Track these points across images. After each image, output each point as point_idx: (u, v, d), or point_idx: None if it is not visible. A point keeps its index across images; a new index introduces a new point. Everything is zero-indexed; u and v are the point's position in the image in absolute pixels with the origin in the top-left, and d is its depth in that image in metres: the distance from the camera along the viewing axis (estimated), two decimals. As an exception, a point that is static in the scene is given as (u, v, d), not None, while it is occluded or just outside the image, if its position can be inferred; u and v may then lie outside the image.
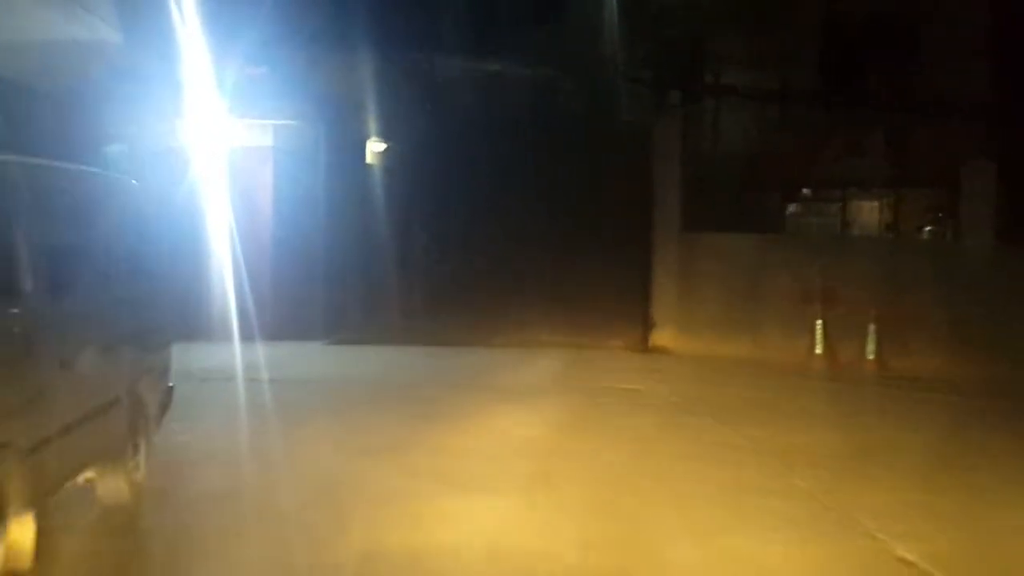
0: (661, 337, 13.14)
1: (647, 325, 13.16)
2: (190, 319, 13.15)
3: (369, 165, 14.95)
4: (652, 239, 13.19)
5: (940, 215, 16.03)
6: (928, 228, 16.29)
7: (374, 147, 15.06)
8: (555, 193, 13.48)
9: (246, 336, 11.94)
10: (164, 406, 6.15)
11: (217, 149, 12.69)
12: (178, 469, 6.15)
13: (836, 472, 6.86)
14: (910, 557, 4.98)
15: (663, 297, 13.16)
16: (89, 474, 5.07)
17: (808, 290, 12.45)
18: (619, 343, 13.17)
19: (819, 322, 12.40)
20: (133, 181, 6.58)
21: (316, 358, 11.82)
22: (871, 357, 12.19)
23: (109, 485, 5.24)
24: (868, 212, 17.75)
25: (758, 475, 6.72)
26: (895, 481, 6.59)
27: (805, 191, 18.23)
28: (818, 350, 12.41)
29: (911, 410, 9.64)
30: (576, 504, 5.82)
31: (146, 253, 6.03)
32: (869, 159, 15.52)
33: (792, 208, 17.94)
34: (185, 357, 11.53)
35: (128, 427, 5.33)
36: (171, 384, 6.39)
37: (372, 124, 14.33)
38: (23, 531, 4.04)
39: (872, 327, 12.16)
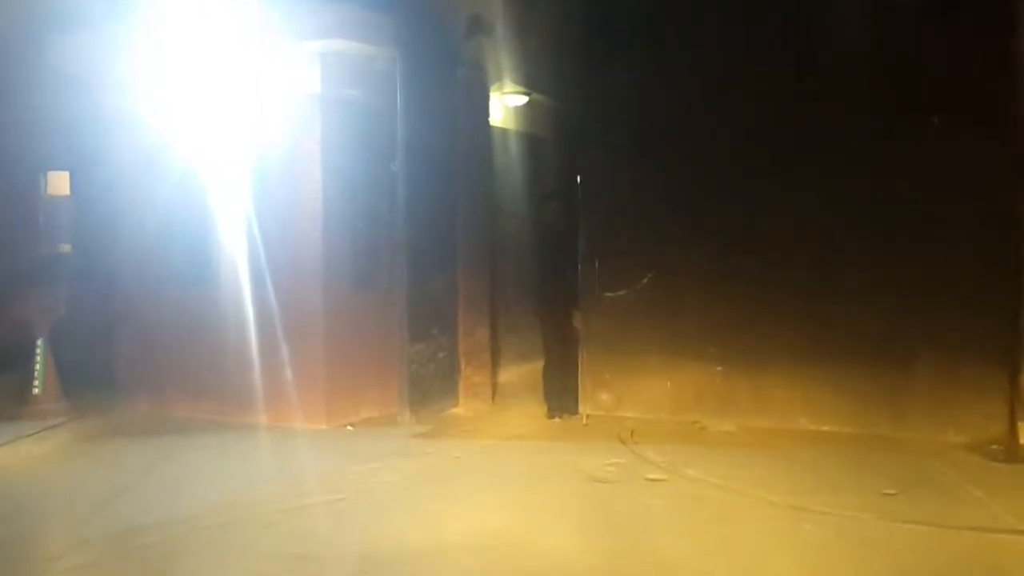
0: (1043, 428, 6.77)
1: (1015, 403, 6.80)
2: (190, 390, 8.00)
3: (497, 130, 9.26)
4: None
5: None
6: None
7: (508, 100, 9.39)
8: (827, 170, 7.22)
9: (279, 416, 6.90)
10: None
11: (227, 101, 7.42)
12: None
13: None
14: None
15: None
16: None
17: None
18: (957, 438, 6.90)
19: None
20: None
21: (385, 478, 6.16)
22: None
23: None
24: None
25: None
26: None
27: None
28: None
29: None
30: None
31: None
32: None
33: None
34: (133, 486, 5.84)
35: None
36: None
37: (504, 59, 8.60)
38: None
39: None
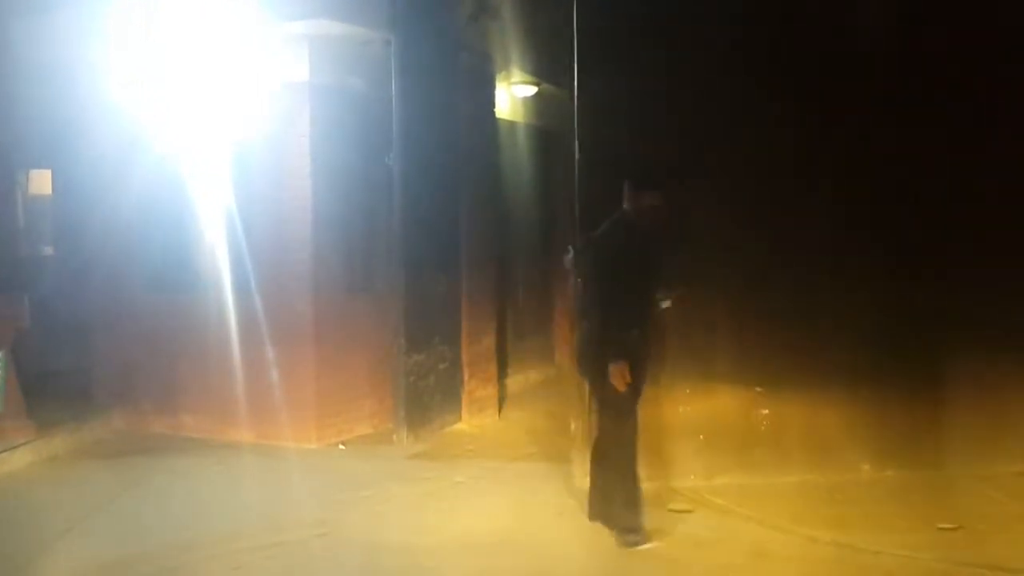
0: None
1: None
2: (169, 405, 7.38)
3: (504, 123, 8.60)
4: None
5: None
6: None
7: (516, 90, 8.72)
8: (889, 167, 6.05)
9: (266, 433, 6.61)
10: None
11: (208, 92, 6.78)
12: None
13: None
14: None
15: None
16: None
17: None
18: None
19: None
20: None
21: (375, 508, 5.50)
22: None
23: None
24: None
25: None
26: None
27: None
28: None
29: None
30: None
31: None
32: None
33: None
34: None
35: None
36: None
37: (512, 45, 7.92)
38: None
39: None
